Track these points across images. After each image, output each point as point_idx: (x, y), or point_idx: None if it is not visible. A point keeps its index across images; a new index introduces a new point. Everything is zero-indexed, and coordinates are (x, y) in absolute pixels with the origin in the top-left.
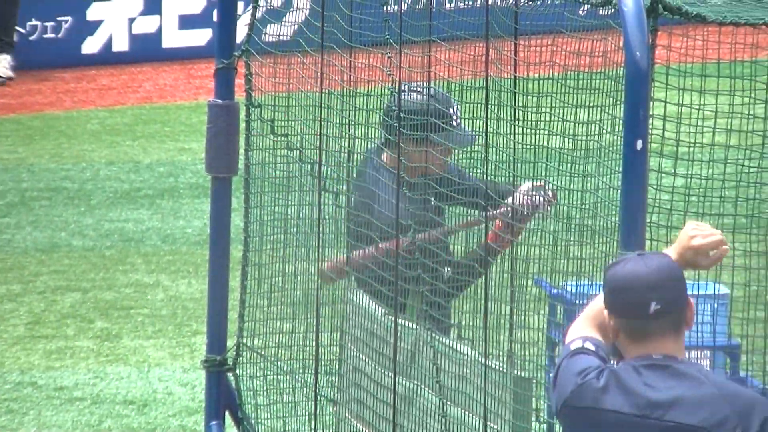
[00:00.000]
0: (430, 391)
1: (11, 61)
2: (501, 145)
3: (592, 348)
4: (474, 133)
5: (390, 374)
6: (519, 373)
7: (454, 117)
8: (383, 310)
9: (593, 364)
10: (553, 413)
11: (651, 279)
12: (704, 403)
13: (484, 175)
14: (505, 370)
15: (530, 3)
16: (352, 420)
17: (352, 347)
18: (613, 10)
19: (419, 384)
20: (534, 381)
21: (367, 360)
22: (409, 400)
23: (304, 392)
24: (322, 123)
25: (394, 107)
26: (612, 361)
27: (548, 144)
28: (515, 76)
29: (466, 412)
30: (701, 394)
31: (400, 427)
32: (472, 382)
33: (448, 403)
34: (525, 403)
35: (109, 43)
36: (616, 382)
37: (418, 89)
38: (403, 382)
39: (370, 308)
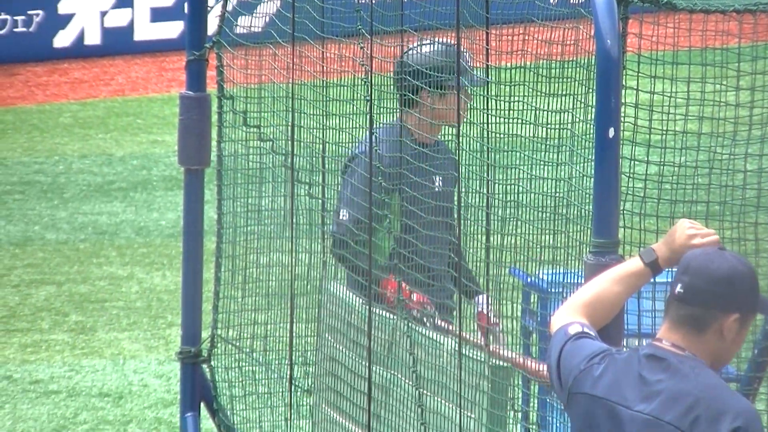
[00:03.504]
0: (407, 381)
1: None
2: (474, 134)
3: (592, 333)
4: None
5: (367, 364)
6: (496, 362)
7: (469, 60)
8: (360, 300)
9: (597, 349)
10: (561, 399)
11: (693, 265)
12: (680, 400)
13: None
14: (482, 359)
15: None
16: (329, 410)
17: (329, 337)
18: None
19: (396, 374)
20: (511, 370)
21: (343, 350)
22: (386, 390)
23: (280, 383)
24: (295, 114)
25: (409, 65)
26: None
27: (521, 133)
28: (487, 65)
29: (444, 402)
30: (680, 391)
31: (377, 417)
32: (448, 371)
33: (426, 392)
34: (502, 391)
35: (81, 37)
36: (613, 370)
37: (425, 43)
38: (380, 371)
39: (347, 298)
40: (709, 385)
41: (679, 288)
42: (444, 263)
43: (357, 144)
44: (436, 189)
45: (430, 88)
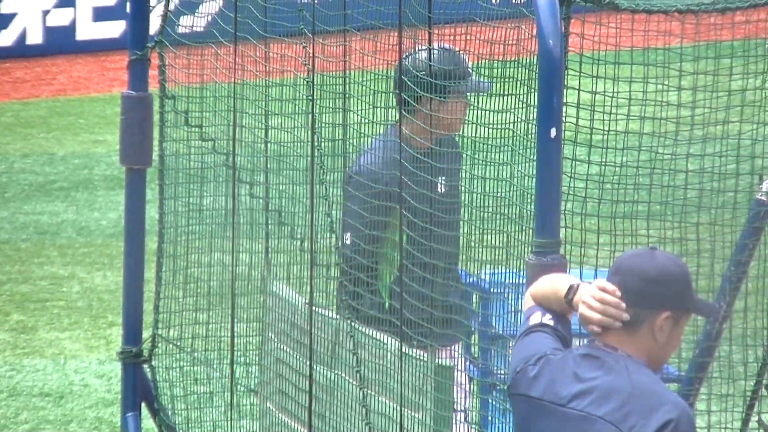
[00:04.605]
0: (351, 381)
1: None
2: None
3: (551, 323)
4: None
5: (310, 363)
6: (439, 362)
7: (468, 66)
8: (304, 300)
9: (539, 350)
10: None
11: (624, 265)
12: (613, 396)
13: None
14: (425, 359)
15: None
16: (275, 411)
17: (273, 337)
18: None
19: (341, 374)
20: (455, 369)
21: (288, 350)
22: (330, 390)
23: (221, 382)
24: (236, 114)
25: (412, 71)
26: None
27: (463, 132)
28: (430, 65)
29: (388, 402)
30: (613, 388)
31: (321, 417)
32: (392, 371)
33: (370, 392)
34: (445, 391)
35: (23, 36)
36: (549, 370)
37: (425, 49)
38: (324, 372)
39: (291, 299)
40: (642, 381)
41: None
42: (452, 270)
43: (354, 162)
44: (441, 190)
45: (432, 94)
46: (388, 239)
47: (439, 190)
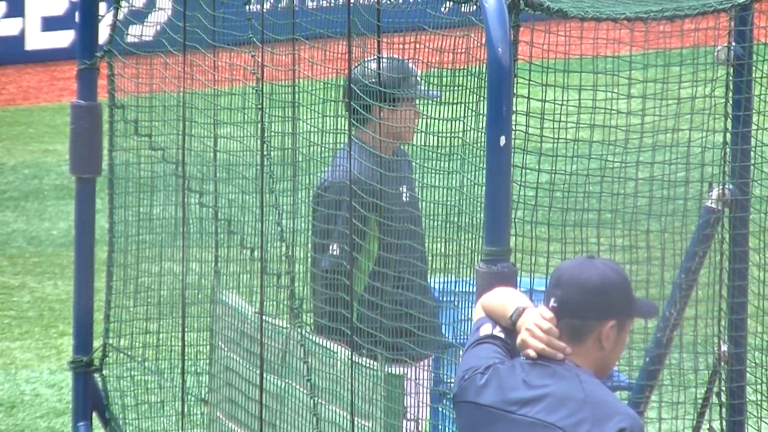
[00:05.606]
0: (302, 390)
1: None
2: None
3: (501, 335)
4: (436, 89)
5: (260, 373)
6: (390, 370)
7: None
8: (253, 309)
9: (488, 360)
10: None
11: (564, 277)
12: (566, 403)
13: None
14: (375, 368)
15: (392, 0)
16: (224, 420)
17: (224, 347)
18: (475, 6)
19: (291, 383)
20: (405, 378)
21: (238, 359)
22: (281, 399)
23: (172, 392)
24: (186, 123)
25: (361, 80)
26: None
27: (413, 141)
28: (379, 74)
29: (339, 410)
30: (565, 395)
31: (272, 425)
32: (343, 380)
33: (321, 401)
34: (396, 400)
35: None
36: (497, 379)
37: (374, 60)
38: (275, 381)
39: (241, 308)
40: (594, 391)
41: (552, 302)
42: (422, 275)
43: (326, 172)
44: (405, 199)
45: (381, 102)
46: (364, 249)
47: (403, 199)
